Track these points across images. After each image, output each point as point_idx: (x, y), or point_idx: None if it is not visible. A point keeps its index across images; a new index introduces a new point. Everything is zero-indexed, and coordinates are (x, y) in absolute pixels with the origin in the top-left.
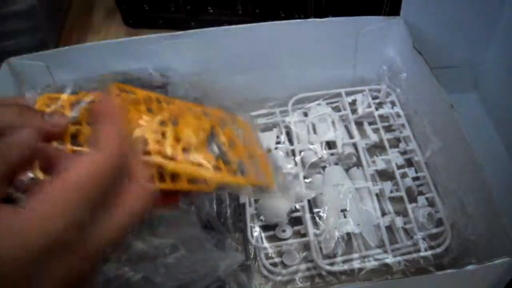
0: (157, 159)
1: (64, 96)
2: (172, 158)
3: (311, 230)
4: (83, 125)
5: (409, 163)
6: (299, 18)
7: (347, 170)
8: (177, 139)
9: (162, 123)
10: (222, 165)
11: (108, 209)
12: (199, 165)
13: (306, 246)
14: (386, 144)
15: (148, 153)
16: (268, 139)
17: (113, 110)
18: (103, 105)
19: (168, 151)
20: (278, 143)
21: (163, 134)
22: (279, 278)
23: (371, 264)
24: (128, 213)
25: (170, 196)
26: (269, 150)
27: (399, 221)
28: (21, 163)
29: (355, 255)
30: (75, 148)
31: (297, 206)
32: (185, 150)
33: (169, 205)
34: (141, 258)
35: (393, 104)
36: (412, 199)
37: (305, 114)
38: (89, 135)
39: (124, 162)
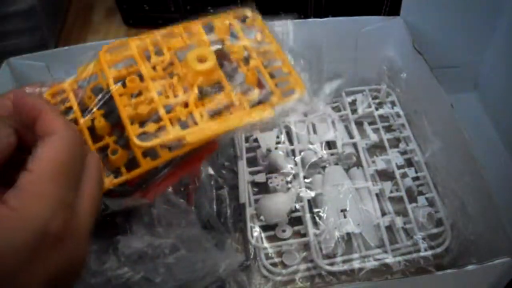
0: (174, 132)
1: (65, 85)
2: (190, 117)
3: (311, 230)
4: (95, 112)
5: (409, 163)
6: (299, 18)
7: (347, 170)
8: (190, 85)
9: (169, 66)
10: (243, 99)
11: (81, 185)
12: (220, 113)
13: (306, 246)
14: (386, 144)
15: (163, 125)
16: (268, 139)
17: (38, 101)
18: (28, 101)
19: (183, 115)
20: (278, 143)
21: (174, 87)
22: (279, 278)
23: (371, 264)
24: (96, 182)
25: (208, 146)
26: (269, 150)
27: (399, 221)
28: None
29: (355, 255)
30: (97, 145)
31: (297, 206)
32: (200, 99)
33: (212, 152)
34: (141, 258)
35: (393, 104)
36: (412, 199)
37: (305, 114)
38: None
39: (77, 138)
